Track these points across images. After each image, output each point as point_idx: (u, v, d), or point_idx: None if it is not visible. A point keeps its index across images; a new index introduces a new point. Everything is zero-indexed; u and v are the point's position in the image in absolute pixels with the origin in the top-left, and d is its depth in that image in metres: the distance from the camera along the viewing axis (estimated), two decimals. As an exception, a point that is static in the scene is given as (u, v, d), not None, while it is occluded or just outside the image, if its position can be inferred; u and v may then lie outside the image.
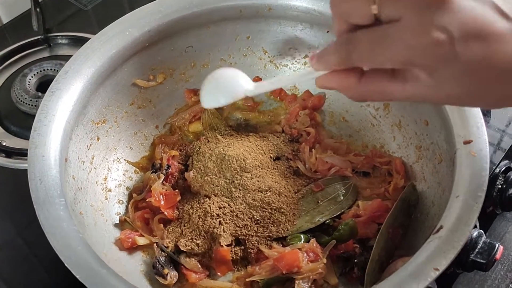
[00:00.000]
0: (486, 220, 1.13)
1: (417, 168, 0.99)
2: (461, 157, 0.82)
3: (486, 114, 1.18)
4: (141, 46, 1.03)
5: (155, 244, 0.95)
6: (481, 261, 0.90)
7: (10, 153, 1.15)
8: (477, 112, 0.86)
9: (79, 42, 1.36)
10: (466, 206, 0.76)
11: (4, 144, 1.16)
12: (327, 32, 1.08)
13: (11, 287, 0.98)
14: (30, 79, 1.26)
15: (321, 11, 1.05)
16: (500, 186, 1.08)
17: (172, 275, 0.91)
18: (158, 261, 0.92)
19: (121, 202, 1.02)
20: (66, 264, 0.72)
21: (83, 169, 0.95)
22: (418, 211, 0.95)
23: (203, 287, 0.92)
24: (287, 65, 1.17)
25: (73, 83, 0.92)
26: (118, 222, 0.99)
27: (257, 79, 1.18)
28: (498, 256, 0.91)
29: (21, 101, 1.22)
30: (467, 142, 0.83)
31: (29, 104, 1.21)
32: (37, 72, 1.28)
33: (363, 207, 0.96)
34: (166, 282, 0.90)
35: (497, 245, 0.91)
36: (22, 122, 1.20)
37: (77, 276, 0.70)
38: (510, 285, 1.05)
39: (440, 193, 0.89)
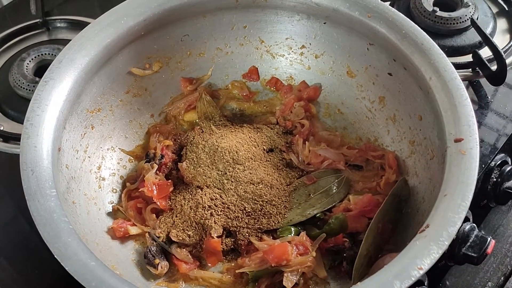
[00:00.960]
0: (480, 213, 1.13)
1: (409, 163, 0.99)
2: (451, 155, 0.82)
3: (483, 107, 1.17)
4: (137, 35, 1.02)
5: (147, 234, 0.96)
6: (472, 254, 0.91)
7: (7, 137, 1.15)
8: (469, 110, 0.85)
9: (78, 26, 1.36)
10: (454, 205, 0.76)
11: (1, 128, 1.17)
12: (324, 23, 1.07)
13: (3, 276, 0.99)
14: (28, 64, 1.25)
15: (318, 2, 1.04)
16: (495, 180, 1.07)
17: (163, 265, 0.92)
18: (150, 251, 0.93)
19: (114, 191, 1.03)
20: (55, 255, 0.73)
21: (76, 158, 0.96)
22: (409, 206, 0.95)
23: (193, 277, 0.93)
24: (284, 55, 1.16)
25: (67, 73, 0.92)
26: (111, 211, 0.99)
27: (253, 68, 1.17)
28: (489, 250, 0.91)
29: (19, 85, 1.22)
30: (458, 140, 0.83)
31: (26, 89, 1.21)
32: (35, 57, 1.27)
33: (354, 201, 0.96)
34: (157, 272, 0.91)
35: (488, 239, 0.91)
36: (20, 107, 1.20)
37: (66, 268, 0.71)
38: (502, 278, 1.05)
39: (431, 189, 0.89)
